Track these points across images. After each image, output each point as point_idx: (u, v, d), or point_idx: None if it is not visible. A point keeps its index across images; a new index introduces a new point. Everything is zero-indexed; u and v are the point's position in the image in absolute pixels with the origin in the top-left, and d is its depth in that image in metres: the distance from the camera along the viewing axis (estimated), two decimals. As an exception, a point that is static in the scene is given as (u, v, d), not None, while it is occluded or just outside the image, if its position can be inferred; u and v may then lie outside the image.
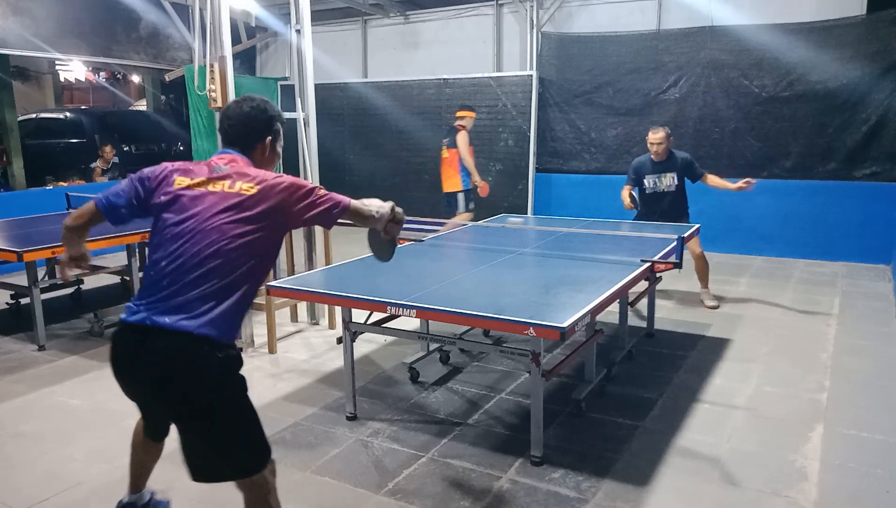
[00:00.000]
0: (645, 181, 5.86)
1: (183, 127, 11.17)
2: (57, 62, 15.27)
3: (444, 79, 9.56)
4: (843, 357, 4.62)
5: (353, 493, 3.01)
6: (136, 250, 5.92)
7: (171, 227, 2.09)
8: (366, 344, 4.90)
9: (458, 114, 7.31)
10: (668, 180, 5.80)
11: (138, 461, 2.63)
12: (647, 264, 3.93)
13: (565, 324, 2.81)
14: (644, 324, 5.21)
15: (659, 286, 5.30)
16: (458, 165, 7.12)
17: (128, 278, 5.86)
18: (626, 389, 4.13)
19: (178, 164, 2.25)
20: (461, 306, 3.08)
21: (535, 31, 9.02)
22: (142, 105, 16.13)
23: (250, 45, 11.42)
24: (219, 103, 4.65)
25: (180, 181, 2.16)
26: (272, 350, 4.87)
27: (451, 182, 7.21)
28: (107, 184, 9.18)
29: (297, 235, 5.66)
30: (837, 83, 7.40)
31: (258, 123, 2.30)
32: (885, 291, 6.31)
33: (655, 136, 5.73)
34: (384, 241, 2.54)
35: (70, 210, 6.84)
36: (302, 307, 5.65)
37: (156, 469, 3.32)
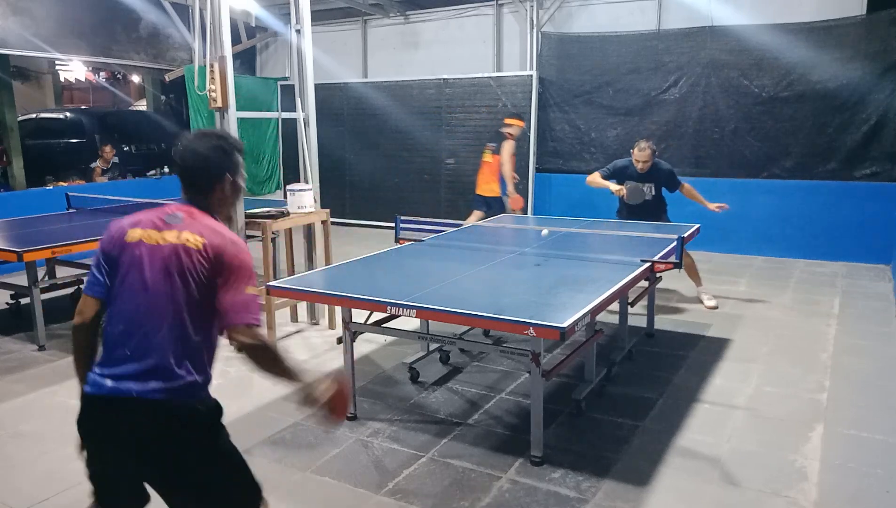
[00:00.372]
0: (626, 186, 5.87)
1: (183, 127, 11.16)
2: (57, 62, 15.26)
3: (444, 79, 9.57)
4: (843, 357, 4.62)
5: (353, 493, 3.01)
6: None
7: (125, 282, 1.97)
8: (366, 344, 4.90)
9: (507, 121, 7.39)
10: (647, 190, 5.84)
11: None
12: (647, 264, 3.94)
13: (565, 324, 2.81)
14: (644, 324, 5.21)
15: (659, 286, 5.30)
16: (500, 172, 7.23)
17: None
18: (626, 389, 4.14)
19: (128, 218, 2.07)
20: (461, 306, 3.08)
21: (535, 31, 9.02)
22: (142, 105, 16.12)
23: (250, 45, 11.42)
24: (219, 103, 4.65)
25: (132, 234, 2.00)
26: (272, 350, 4.86)
27: (490, 187, 7.31)
28: (107, 184, 9.19)
29: (297, 234, 5.66)
30: (837, 83, 7.40)
31: (217, 163, 2.08)
32: (885, 291, 6.31)
33: (642, 154, 5.72)
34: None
35: (70, 210, 6.85)
36: (302, 307, 5.65)
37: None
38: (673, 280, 6.31)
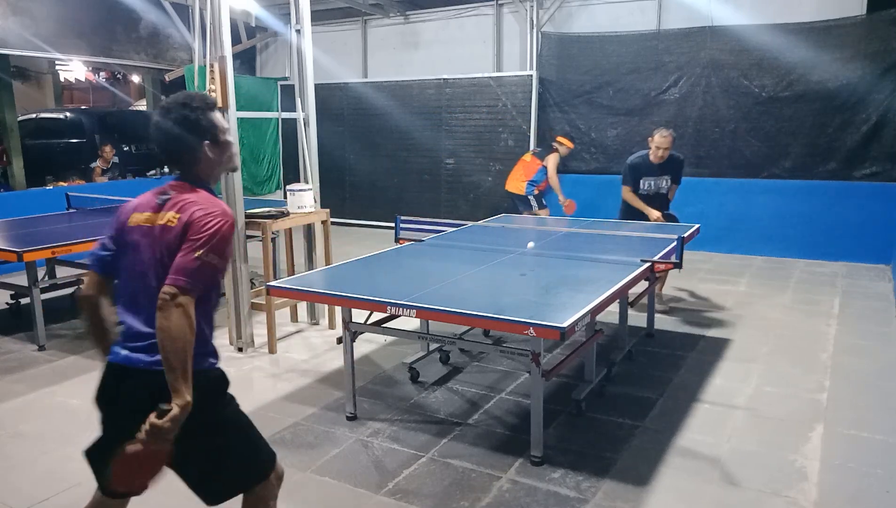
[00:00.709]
0: (642, 183, 5.74)
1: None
2: (57, 62, 15.26)
3: (444, 79, 9.57)
4: (843, 357, 4.62)
5: (353, 493, 3.01)
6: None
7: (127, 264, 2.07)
8: (366, 344, 4.90)
9: (559, 138, 7.70)
10: (664, 183, 5.75)
11: None
12: (647, 264, 3.93)
13: (565, 324, 2.81)
14: (644, 324, 5.21)
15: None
16: (531, 175, 7.54)
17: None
18: (626, 389, 4.14)
19: (134, 200, 2.13)
20: (461, 306, 3.08)
21: (535, 31, 9.02)
22: (142, 105, 16.13)
23: (250, 45, 11.42)
24: (219, 103, 4.64)
25: (133, 218, 2.07)
26: (272, 350, 4.87)
27: (516, 184, 7.66)
28: (106, 184, 9.19)
29: (298, 234, 5.66)
30: (837, 83, 7.40)
31: (187, 136, 2.03)
32: (885, 291, 6.31)
33: (664, 140, 5.56)
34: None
35: (70, 210, 6.85)
36: (302, 307, 5.65)
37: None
38: (673, 280, 6.31)
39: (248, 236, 4.98)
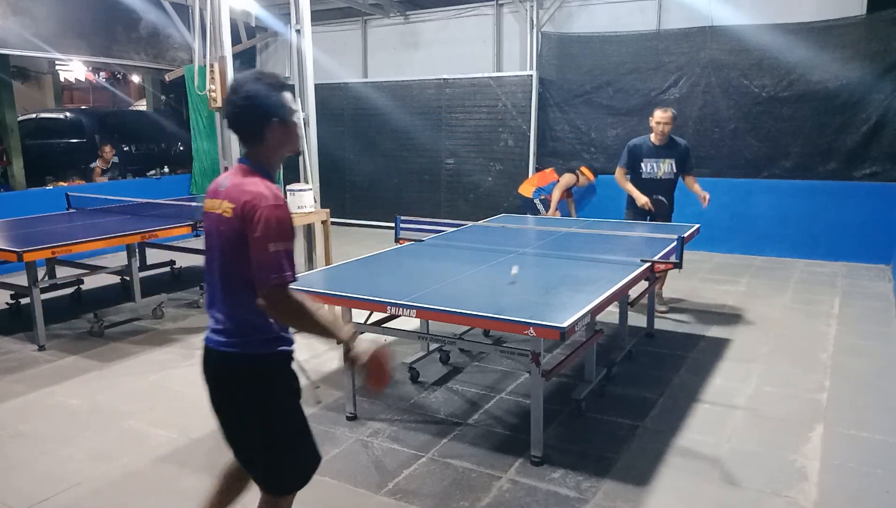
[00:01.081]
0: (642, 165, 5.63)
1: (183, 127, 11.15)
2: (57, 62, 15.25)
3: (444, 79, 9.57)
4: (843, 357, 4.62)
5: (353, 493, 3.01)
6: (136, 251, 5.93)
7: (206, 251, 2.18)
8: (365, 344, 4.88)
9: (583, 168, 7.70)
10: (667, 167, 5.62)
11: (216, 489, 2.44)
12: (647, 264, 3.93)
13: (565, 324, 2.81)
14: (644, 324, 5.21)
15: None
16: (543, 184, 7.65)
17: (128, 279, 5.87)
18: (626, 389, 4.13)
19: (214, 182, 2.20)
20: (461, 306, 3.08)
21: (535, 31, 9.02)
22: (142, 105, 16.12)
23: (250, 45, 11.42)
24: (219, 103, 4.65)
25: (206, 204, 2.17)
26: (272, 350, 4.86)
27: (526, 188, 7.80)
28: (106, 184, 9.19)
29: (298, 234, 5.66)
30: (837, 83, 7.40)
31: (257, 111, 2.02)
32: (885, 291, 6.31)
33: (664, 115, 5.51)
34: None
35: (70, 210, 6.85)
36: (302, 307, 5.64)
37: (157, 468, 3.33)
38: (673, 280, 6.31)
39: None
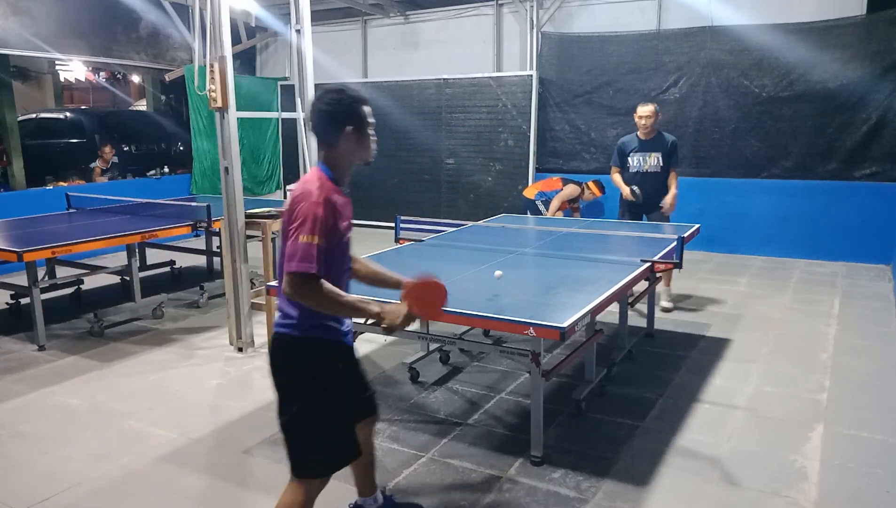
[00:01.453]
0: (630, 160, 5.78)
1: (183, 127, 11.16)
2: (57, 62, 15.24)
3: (444, 79, 9.57)
4: (843, 357, 4.62)
5: (353, 493, 3.01)
6: (136, 251, 5.93)
7: None
8: (366, 344, 4.90)
9: (590, 183, 8.08)
10: (653, 161, 5.72)
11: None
12: (647, 264, 3.93)
13: (565, 324, 2.81)
14: (644, 324, 5.21)
15: (658, 286, 5.29)
16: (546, 190, 7.98)
17: (128, 279, 5.87)
18: (626, 389, 4.13)
19: None
20: (461, 307, 3.08)
21: (535, 31, 9.02)
22: (142, 105, 16.11)
23: (250, 45, 11.42)
24: (219, 103, 4.64)
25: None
26: (272, 350, 4.87)
27: (530, 191, 8.27)
28: (106, 184, 9.19)
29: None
30: (837, 83, 7.40)
31: (330, 118, 2.26)
32: (885, 291, 6.31)
33: (644, 109, 5.68)
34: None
35: (70, 210, 6.84)
36: (302, 307, 5.64)
37: (157, 468, 3.33)
38: (673, 281, 6.30)
39: (248, 236, 4.98)
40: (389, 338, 4.92)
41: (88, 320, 5.40)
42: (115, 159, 9.97)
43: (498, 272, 3.65)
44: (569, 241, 4.91)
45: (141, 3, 9.72)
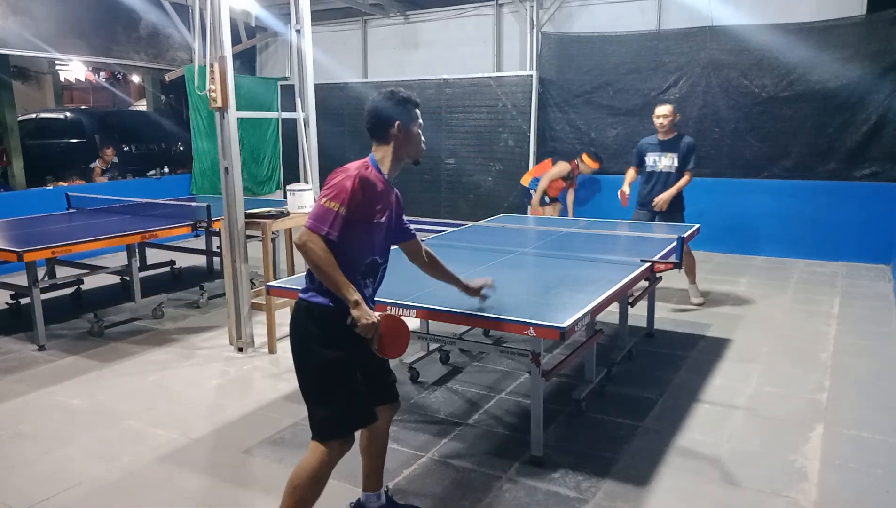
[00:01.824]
0: (646, 159, 5.91)
1: (183, 127, 11.15)
2: (57, 62, 15.25)
3: (444, 79, 9.56)
4: (843, 357, 4.62)
5: (353, 493, 3.01)
6: (136, 251, 5.93)
7: None
8: (366, 344, 4.89)
9: (584, 155, 8.05)
10: (668, 161, 5.79)
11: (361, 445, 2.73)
12: (647, 264, 3.93)
13: (565, 324, 2.81)
14: (644, 324, 5.21)
15: (658, 286, 5.29)
16: (539, 174, 7.89)
17: (128, 279, 5.87)
18: (626, 389, 4.13)
19: None
20: (461, 306, 3.08)
21: (535, 31, 9.02)
22: (142, 105, 16.11)
23: (250, 45, 11.42)
24: (219, 103, 4.64)
25: None
26: (272, 350, 4.87)
27: (526, 178, 8.19)
28: (106, 184, 9.19)
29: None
30: (837, 83, 7.39)
31: (380, 114, 2.44)
32: (885, 291, 6.31)
33: (661, 109, 5.83)
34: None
35: (70, 210, 6.85)
36: (302, 307, 5.64)
37: (157, 468, 3.33)
38: (673, 280, 6.30)
39: (248, 236, 4.98)
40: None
41: (88, 320, 5.40)
42: (115, 159, 9.98)
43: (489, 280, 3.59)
44: (569, 241, 4.91)
45: (141, 3, 9.71)
